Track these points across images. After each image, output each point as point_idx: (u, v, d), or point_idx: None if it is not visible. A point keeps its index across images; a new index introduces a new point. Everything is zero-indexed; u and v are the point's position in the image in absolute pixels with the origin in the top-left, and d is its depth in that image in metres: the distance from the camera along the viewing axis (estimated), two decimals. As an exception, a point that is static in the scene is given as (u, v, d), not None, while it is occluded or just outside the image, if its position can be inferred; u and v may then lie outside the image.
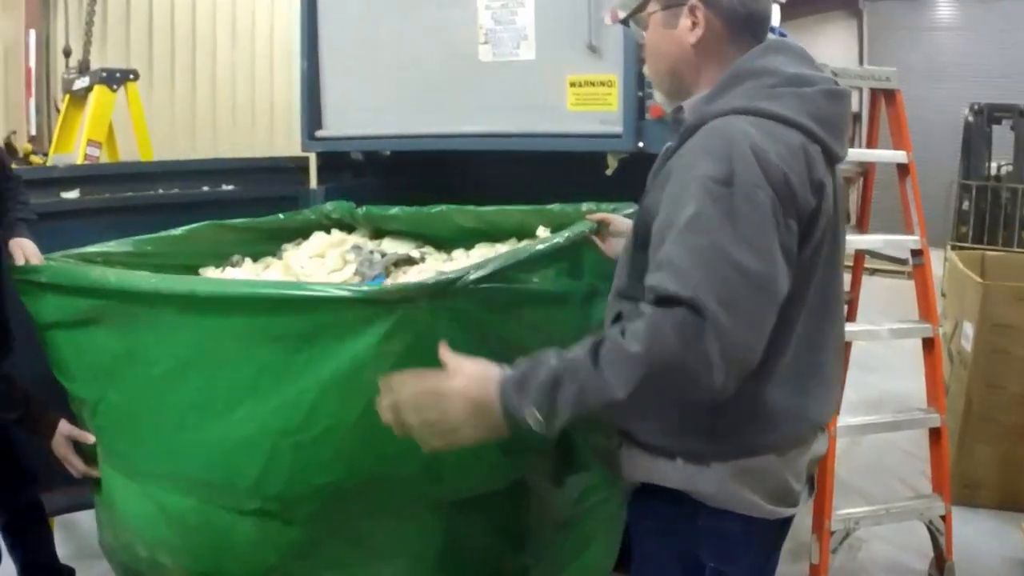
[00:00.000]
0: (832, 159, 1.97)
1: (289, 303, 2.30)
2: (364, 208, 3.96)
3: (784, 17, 13.39)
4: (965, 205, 12.71)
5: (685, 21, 2.05)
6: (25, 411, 2.95)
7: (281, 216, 3.96)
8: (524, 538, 2.78)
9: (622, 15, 2.22)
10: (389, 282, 3.22)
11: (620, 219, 2.92)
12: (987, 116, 12.66)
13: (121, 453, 2.70)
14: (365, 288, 2.52)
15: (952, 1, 18.57)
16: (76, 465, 2.88)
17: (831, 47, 19.16)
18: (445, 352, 1.89)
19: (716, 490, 1.98)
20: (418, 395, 1.87)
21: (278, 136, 10.29)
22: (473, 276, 2.34)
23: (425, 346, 2.01)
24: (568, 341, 1.78)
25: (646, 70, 2.28)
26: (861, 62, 19.24)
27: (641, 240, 2.02)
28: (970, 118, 12.78)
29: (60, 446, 2.88)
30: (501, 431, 1.82)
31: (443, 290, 2.30)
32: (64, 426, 2.87)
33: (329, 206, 4.03)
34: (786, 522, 2.17)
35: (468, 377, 1.83)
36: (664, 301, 1.71)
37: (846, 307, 4.75)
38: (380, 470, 2.34)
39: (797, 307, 1.92)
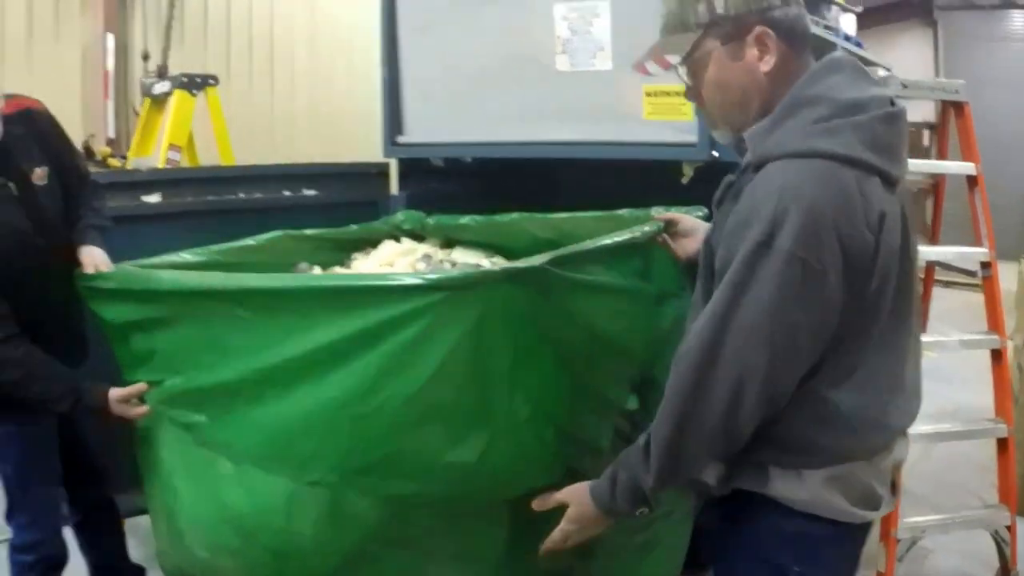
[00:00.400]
0: (891, 183, 2.00)
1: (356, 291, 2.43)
2: (435, 218, 4.02)
3: (861, 26, 13.29)
4: (1041, 216, 12.65)
5: (752, 50, 2.06)
6: (76, 399, 3.01)
7: (354, 227, 4.00)
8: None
9: (674, 61, 2.18)
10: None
11: (688, 218, 2.96)
12: (1065, 125, 12.58)
13: (208, 435, 2.69)
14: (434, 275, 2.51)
15: (1027, 13, 18.38)
16: (138, 411, 2.89)
17: (906, 57, 18.95)
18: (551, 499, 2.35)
19: (808, 496, 2.07)
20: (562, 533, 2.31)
21: (354, 141, 10.34)
22: (536, 264, 2.41)
23: (486, 335, 2.32)
24: (636, 338, 1.97)
25: (707, 106, 2.21)
26: (936, 72, 19.04)
27: (706, 269, 2.16)
28: (1047, 128, 12.75)
29: (117, 408, 2.92)
30: (609, 523, 2.29)
31: (508, 277, 2.39)
32: (114, 392, 2.91)
33: (400, 216, 4.08)
34: (868, 525, 2.26)
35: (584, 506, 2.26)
36: (678, 361, 2.02)
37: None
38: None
39: (874, 322, 2.01)
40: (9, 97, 3.18)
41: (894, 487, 2.30)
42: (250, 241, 3.64)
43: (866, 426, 2.08)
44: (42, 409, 3.11)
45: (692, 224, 2.91)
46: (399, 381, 2.33)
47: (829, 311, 1.92)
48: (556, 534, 2.30)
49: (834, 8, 12.11)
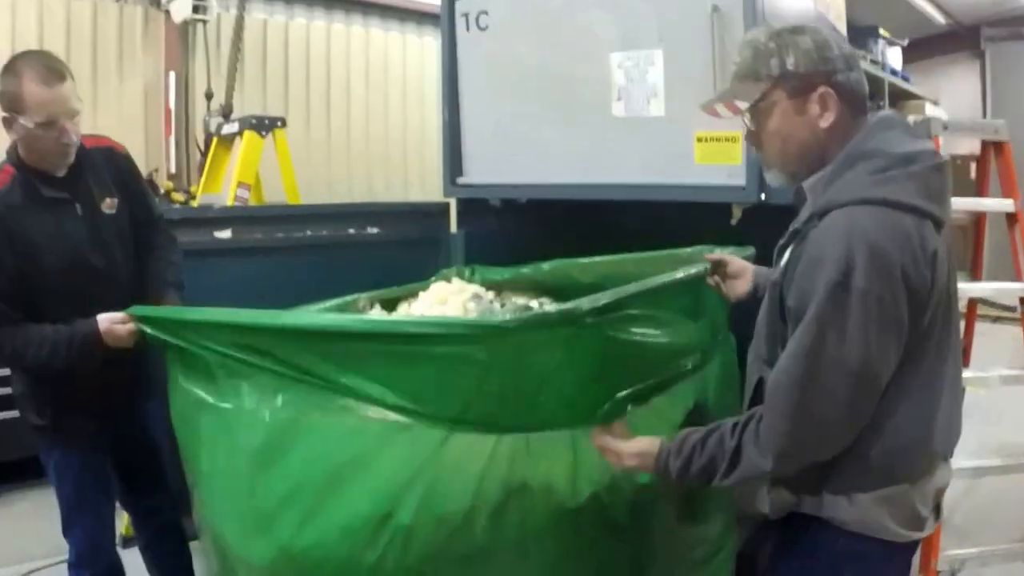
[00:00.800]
0: (940, 226, 2.20)
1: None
2: (478, 273, 4.15)
3: (908, 60, 13.27)
4: (1088, 250, 12.42)
5: (815, 107, 2.26)
6: (69, 342, 3.15)
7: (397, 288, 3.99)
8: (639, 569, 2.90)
9: (743, 107, 2.34)
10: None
11: (738, 260, 3.12)
12: (1110, 159, 12.39)
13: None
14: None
15: (1077, 42, 18.20)
16: (128, 328, 3.05)
17: (954, 89, 18.83)
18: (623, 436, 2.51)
19: (859, 517, 2.28)
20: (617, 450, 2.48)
21: (412, 180, 10.55)
22: (587, 307, 2.50)
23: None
24: (686, 375, 2.17)
25: (766, 154, 2.42)
26: (984, 103, 18.91)
27: (774, 308, 2.36)
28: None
29: (111, 337, 3.09)
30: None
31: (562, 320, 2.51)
32: (103, 321, 3.09)
33: (445, 271, 4.18)
34: (915, 545, 2.46)
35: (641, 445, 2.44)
36: (768, 398, 2.20)
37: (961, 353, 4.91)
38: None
39: (925, 354, 2.23)
40: (98, 136, 3.56)
41: (937, 511, 2.47)
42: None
43: (914, 450, 2.28)
44: (58, 373, 3.26)
45: (741, 266, 3.08)
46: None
47: (902, 340, 2.13)
48: (612, 452, 2.49)
49: (881, 42, 12.22)
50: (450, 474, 2.49)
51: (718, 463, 2.27)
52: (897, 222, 2.10)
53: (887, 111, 2.60)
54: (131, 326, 3.05)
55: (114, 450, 3.53)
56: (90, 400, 3.40)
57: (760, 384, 2.41)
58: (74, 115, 3.23)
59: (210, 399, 2.80)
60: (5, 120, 3.17)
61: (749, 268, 3.06)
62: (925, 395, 2.28)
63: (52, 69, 3.17)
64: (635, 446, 2.45)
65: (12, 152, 3.29)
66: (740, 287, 3.03)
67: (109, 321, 3.08)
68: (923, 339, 2.21)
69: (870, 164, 2.19)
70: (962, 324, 4.91)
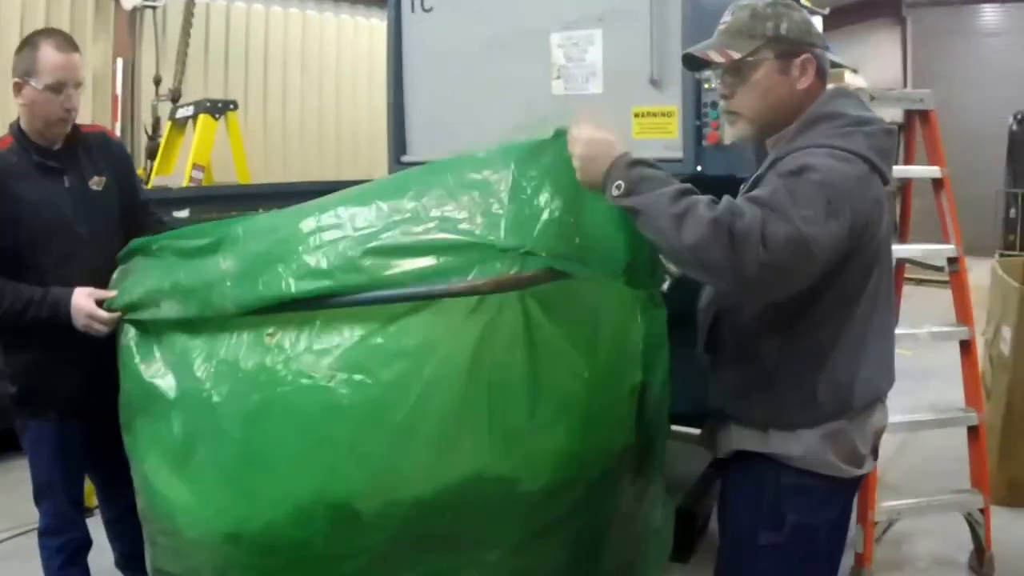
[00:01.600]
0: (885, 182, 2.51)
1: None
2: None
3: (829, 27, 13.56)
4: (1012, 213, 12.62)
5: (796, 70, 2.55)
6: (43, 299, 3.35)
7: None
8: (601, 536, 3.02)
9: (736, 56, 2.56)
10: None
11: None
12: (1032, 124, 12.58)
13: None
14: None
15: (997, 7, 18.43)
16: (105, 320, 3.24)
17: (876, 56, 19.08)
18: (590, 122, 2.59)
19: (803, 452, 2.55)
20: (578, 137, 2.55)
21: (362, 158, 10.61)
22: None
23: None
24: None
25: (740, 105, 2.62)
26: (905, 70, 19.20)
27: None
28: (1014, 126, 12.75)
29: (82, 316, 3.27)
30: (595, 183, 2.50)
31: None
32: (81, 294, 3.29)
33: None
34: (856, 482, 2.70)
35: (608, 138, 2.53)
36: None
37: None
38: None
39: (861, 291, 2.52)
40: (95, 124, 3.90)
41: (875, 452, 2.76)
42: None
43: (855, 387, 2.56)
44: (30, 327, 3.40)
45: None
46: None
47: (836, 241, 2.31)
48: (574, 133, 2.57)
49: (803, 10, 12.39)
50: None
51: (661, 185, 2.40)
52: (852, 164, 2.39)
53: (842, 84, 2.81)
54: (106, 316, 3.24)
55: (90, 424, 3.60)
56: (67, 372, 3.51)
57: (716, 322, 2.70)
58: (79, 85, 3.51)
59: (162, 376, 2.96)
60: (16, 85, 3.43)
61: None
62: (864, 335, 2.57)
63: (68, 39, 3.50)
64: (599, 134, 2.56)
65: (15, 125, 3.55)
66: None
67: (86, 295, 3.29)
68: (863, 280, 2.51)
69: (831, 123, 2.50)
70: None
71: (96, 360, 3.37)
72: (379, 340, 2.63)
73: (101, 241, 3.58)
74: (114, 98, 8.58)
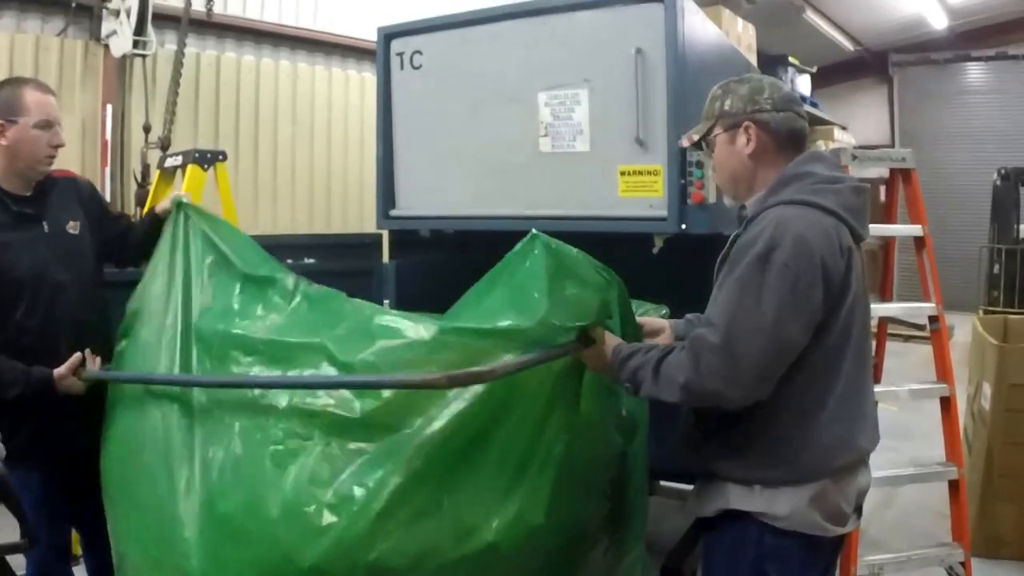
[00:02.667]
0: (857, 238, 2.66)
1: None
2: None
3: (817, 85, 13.73)
4: (996, 269, 12.65)
5: (742, 138, 2.78)
6: (26, 381, 3.36)
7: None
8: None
9: (696, 139, 2.93)
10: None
11: (655, 320, 3.35)
12: (1015, 180, 12.65)
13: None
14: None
15: (981, 65, 18.57)
16: (79, 385, 3.38)
17: (864, 113, 19.33)
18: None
19: (787, 512, 2.60)
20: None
21: (351, 213, 10.64)
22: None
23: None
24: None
25: (715, 179, 3.00)
26: (892, 127, 19.42)
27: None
28: (998, 182, 12.77)
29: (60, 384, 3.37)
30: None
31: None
32: (56, 371, 3.36)
33: None
34: (839, 541, 2.79)
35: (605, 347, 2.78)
36: (705, 323, 2.57)
37: (871, 370, 5.16)
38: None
39: (843, 353, 2.63)
40: (63, 169, 3.83)
41: (859, 511, 2.81)
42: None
43: (840, 447, 2.64)
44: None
45: (658, 324, 3.31)
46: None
47: (813, 319, 2.51)
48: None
49: (790, 70, 12.57)
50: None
51: (648, 368, 2.64)
52: (819, 220, 2.56)
53: (816, 149, 2.92)
54: (80, 384, 3.39)
55: (75, 474, 3.58)
56: (54, 422, 3.53)
57: None
58: (60, 123, 3.62)
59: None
60: (1, 127, 3.45)
61: (666, 324, 3.31)
62: (848, 395, 2.66)
63: (44, 83, 3.62)
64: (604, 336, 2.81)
65: None
66: (662, 341, 3.21)
67: (60, 377, 3.36)
68: (843, 340, 2.62)
69: (802, 182, 2.67)
70: (873, 343, 5.21)
71: (83, 410, 3.41)
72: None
73: (81, 286, 3.64)
74: (103, 144, 8.59)
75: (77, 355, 3.40)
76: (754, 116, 2.77)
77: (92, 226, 3.82)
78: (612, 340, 2.80)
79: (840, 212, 2.61)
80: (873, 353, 5.35)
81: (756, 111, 2.77)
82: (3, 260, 3.43)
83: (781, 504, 2.61)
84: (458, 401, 2.60)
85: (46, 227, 3.60)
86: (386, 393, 2.62)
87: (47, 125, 3.54)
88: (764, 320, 2.45)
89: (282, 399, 2.75)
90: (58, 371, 3.36)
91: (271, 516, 2.56)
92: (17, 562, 3.69)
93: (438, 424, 2.59)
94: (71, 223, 3.71)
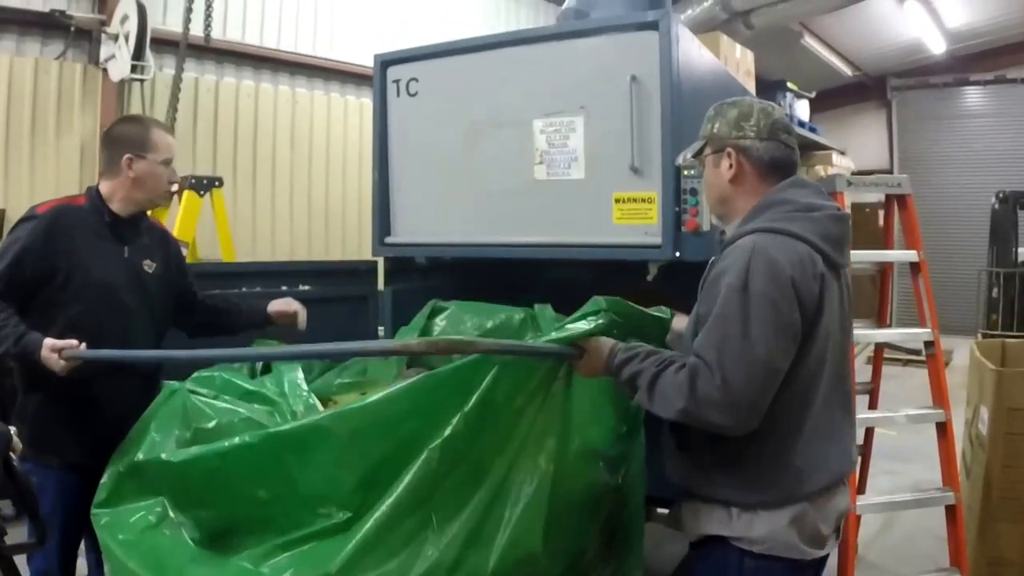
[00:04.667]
0: (834, 265, 2.71)
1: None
2: None
3: (816, 110, 13.74)
4: (994, 292, 12.60)
5: (724, 163, 2.87)
6: (18, 338, 3.45)
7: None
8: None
9: (689, 156, 3.04)
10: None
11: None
12: (1013, 203, 12.59)
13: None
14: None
15: (979, 89, 18.63)
16: (61, 364, 3.40)
17: (862, 138, 19.36)
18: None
19: (767, 535, 2.65)
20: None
21: (349, 239, 10.67)
22: None
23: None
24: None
25: (705, 197, 3.11)
26: (891, 151, 19.47)
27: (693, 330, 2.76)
28: (996, 206, 12.79)
29: (48, 364, 3.40)
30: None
31: None
32: (48, 341, 3.42)
33: None
34: (819, 563, 2.82)
35: (599, 352, 2.81)
36: (696, 353, 2.58)
37: (868, 396, 5.18)
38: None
39: (818, 377, 2.69)
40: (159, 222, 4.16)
41: (837, 532, 2.87)
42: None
43: (818, 470, 2.70)
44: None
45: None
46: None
47: (796, 340, 2.58)
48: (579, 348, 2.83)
49: (788, 95, 12.59)
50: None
51: (644, 378, 2.68)
52: (792, 246, 2.62)
53: (801, 176, 2.99)
54: (61, 364, 3.40)
55: (91, 486, 3.51)
56: (77, 424, 3.59)
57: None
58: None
59: None
60: (128, 160, 3.78)
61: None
62: (824, 419, 2.72)
63: (166, 124, 3.82)
64: (594, 342, 2.84)
65: (93, 188, 3.89)
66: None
67: (51, 348, 3.41)
68: (818, 365, 2.68)
69: (780, 209, 2.73)
70: (870, 368, 5.22)
71: (106, 422, 3.48)
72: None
73: (143, 319, 3.84)
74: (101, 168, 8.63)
75: (73, 341, 3.45)
76: (737, 142, 2.86)
77: (169, 276, 4.07)
78: (607, 342, 2.84)
79: (813, 239, 2.66)
80: (870, 378, 5.40)
81: (740, 138, 2.86)
82: (74, 261, 3.64)
83: (759, 527, 2.67)
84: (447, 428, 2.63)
85: (126, 252, 3.84)
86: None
87: (169, 163, 3.91)
88: (753, 351, 2.50)
89: None
90: (52, 342, 3.42)
91: None
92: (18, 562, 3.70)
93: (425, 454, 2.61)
94: (148, 262, 3.94)
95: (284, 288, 4.95)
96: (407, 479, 2.58)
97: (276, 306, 4.19)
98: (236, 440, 2.73)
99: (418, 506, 2.60)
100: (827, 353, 2.71)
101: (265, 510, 2.70)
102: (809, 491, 2.68)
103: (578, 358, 2.83)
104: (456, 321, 4.20)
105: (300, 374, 3.53)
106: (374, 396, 2.69)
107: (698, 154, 3.00)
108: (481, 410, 2.67)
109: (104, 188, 3.86)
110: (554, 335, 2.87)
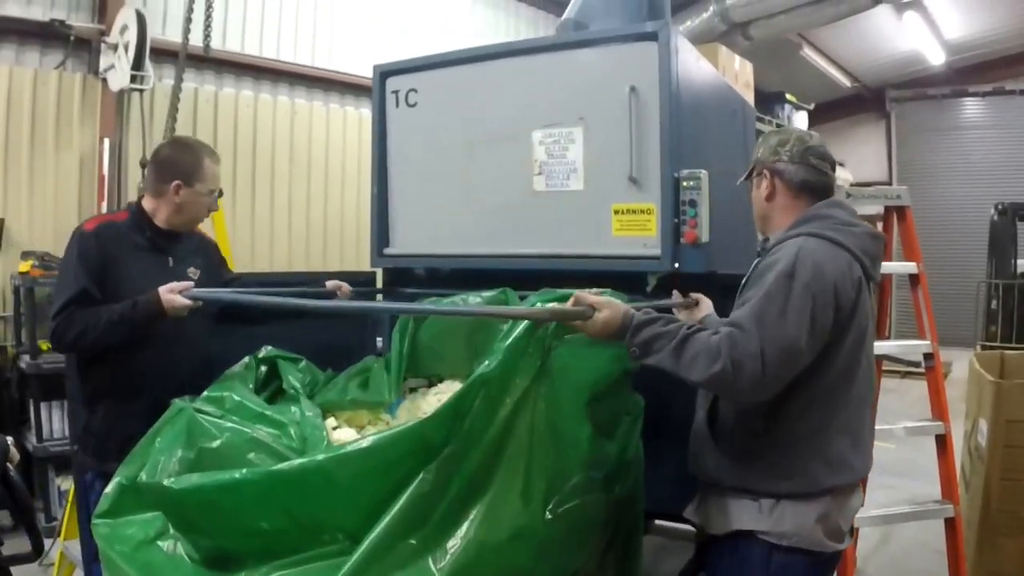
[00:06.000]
0: (869, 277, 3.03)
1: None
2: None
3: (815, 121, 13.83)
4: (993, 304, 12.63)
5: (763, 183, 3.27)
6: (132, 305, 3.73)
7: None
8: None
9: (743, 177, 3.44)
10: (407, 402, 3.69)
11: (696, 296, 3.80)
12: (1012, 215, 12.69)
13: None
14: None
15: (978, 100, 18.70)
16: (184, 302, 3.71)
17: (861, 149, 19.41)
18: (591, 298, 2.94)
19: (794, 529, 2.91)
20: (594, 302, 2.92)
21: (347, 250, 10.68)
22: None
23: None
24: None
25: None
26: (890, 163, 19.52)
27: None
28: (995, 217, 12.81)
29: (173, 305, 3.71)
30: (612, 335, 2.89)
31: None
32: (164, 290, 3.72)
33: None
34: (836, 556, 3.08)
35: (615, 311, 2.88)
36: (731, 324, 2.81)
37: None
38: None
39: (852, 377, 2.99)
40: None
41: (851, 530, 3.17)
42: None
43: (841, 465, 2.96)
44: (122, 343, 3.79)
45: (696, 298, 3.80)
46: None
47: (823, 338, 2.83)
48: (588, 302, 2.92)
49: (787, 107, 12.62)
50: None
51: (669, 341, 2.81)
52: (836, 253, 2.93)
53: (838, 199, 3.32)
54: (186, 301, 3.71)
55: None
56: (133, 431, 3.52)
57: (716, 398, 3.13)
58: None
59: None
60: (176, 187, 3.97)
61: (703, 298, 3.81)
62: (852, 420, 3.00)
63: (216, 152, 4.20)
64: (606, 300, 2.93)
65: (134, 204, 4.11)
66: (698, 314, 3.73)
67: (168, 290, 3.72)
68: (852, 366, 2.97)
69: (823, 222, 3.05)
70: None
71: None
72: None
73: (193, 323, 3.94)
74: (100, 178, 8.60)
75: (188, 283, 3.80)
76: (773, 165, 3.25)
77: (212, 279, 4.26)
78: (620, 304, 2.93)
79: (855, 251, 2.97)
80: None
81: (775, 161, 3.24)
82: (129, 271, 3.86)
83: (788, 522, 2.91)
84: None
85: (171, 262, 4.07)
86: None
87: (211, 193, 4.12)
88: (785, 330, 2.74)
89: None
90: (167, 287, 3.72)
91: None
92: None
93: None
94: (192, 268, 4.15)
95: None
96: (403, 500, 2.59)
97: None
98: (237, 475, 2.71)
99: (415, 526, 2.61)
100: (860, 356, 3.01)
101: (264, 540, 2.69)
102: (834, 486, 2.95)
103: (589, 317, 2.88)
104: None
105: (310, 403, 3.53)
106: (375, 436, 2.68)
107: (748, 176, 3.39)
108: (468, 437, 2.70)
109: (147, 204, 4.06)
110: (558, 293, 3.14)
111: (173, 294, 3.69)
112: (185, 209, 4.05)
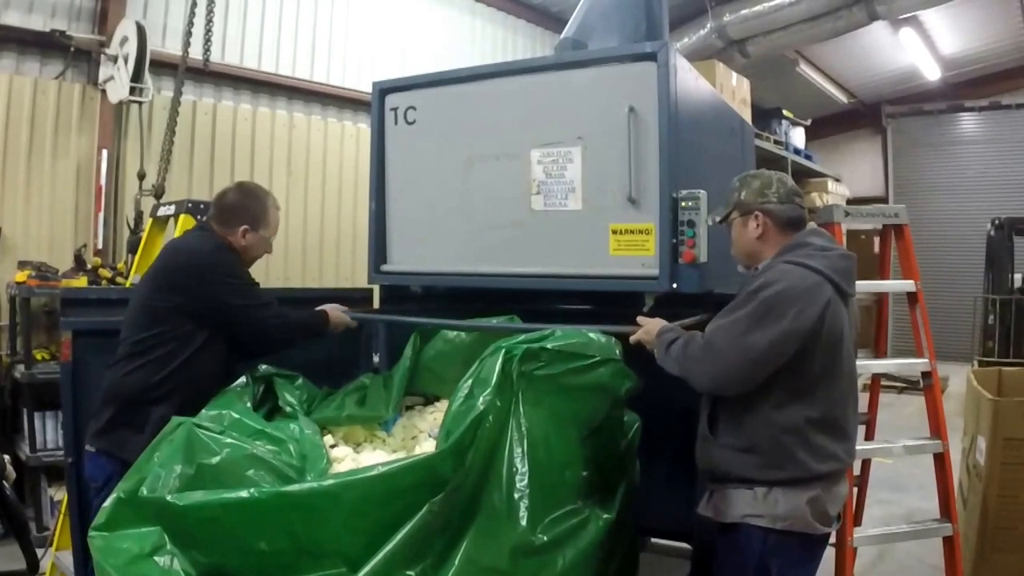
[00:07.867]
0: (843, 293, 3.39)
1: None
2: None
3: (812, 137, 13.83)
4: (990, 319, 12.60)
5: (752, 223, 3.57)
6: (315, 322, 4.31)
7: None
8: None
9: (717, 219, 3.72)
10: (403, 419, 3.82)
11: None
12: (1009, 229, 12.67)
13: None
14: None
15: (974, 115, 18.68)
16: (349, 321, 4.43)
17: (857, 165, 19.42)
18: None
19: (787, 512, 3.28)
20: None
21: (344, 266, 10.67)
22: None
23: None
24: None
25: (732, 250, 3.71)
26: (887, 178, 19.52)
27: None
28: (992, 232, 12.78)
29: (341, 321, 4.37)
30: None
31: None
32: (333, 311, 4.37)
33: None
34: (824, 539, 3.49)
35: (654, 325, 3.59)
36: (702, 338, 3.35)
37: (864, 427, 5.20)
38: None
39: (835, 375, 3.37)
40: None
41: (839, 518, 3.57)
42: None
43: (827, 454, 3.33)
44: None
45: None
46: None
47: (781, 334, 3.21)
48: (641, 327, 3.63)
49: (784, 123, 12.63)
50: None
51: (667, 346, 3.45)
52: (807, 275, 3.31)
53: (815, 227, 3.76)
54: (350, 320, 4.43)
55: None
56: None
57: (715, 405, 3.49)
58: None
59: None
60: (244, 231, 4.26)
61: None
62: (837, 415, 3.38)
63: (276, 198, 4.48)
64: (651, 319, 3.63)
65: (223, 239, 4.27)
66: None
67: (334, 309, 4.40)
68: (833, 366, 3.35)
69: (801, 250, 3.43)
70: (867, 397, 5.22)
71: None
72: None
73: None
74: (98, 189, 8.59)
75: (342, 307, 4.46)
76: (763, 207, 3.55)
77: None
78: (659, 320, 3.60)
79: (825, 272, 3.34)
80: (866, 408, 5.40)
81: (764, 203, 3.56)
82: None
83: (782, 506, 3.28)
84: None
85: None
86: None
87: (271, 238, 4.39)
88: (734, 330, 3.25)
89: None
90: (333, 307, 4.43)
91: None
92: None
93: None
94: None
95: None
96: (406, 530, 2.65)
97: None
98: (242, 493, 2.72)
99: (415, 558, 2.66)
100: (838, 359, 3.38)
101: (262, 560, 2.70)
102: (822, 473, 3.31)
103: (635, 331, 3.61)
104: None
105: (308, 421, 3.54)
106: (386, 466, 2.74)
107: (725, 219, 3.68)
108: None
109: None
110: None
111: (339, 312, 4.36)
112: (249, 252, 4.32)
